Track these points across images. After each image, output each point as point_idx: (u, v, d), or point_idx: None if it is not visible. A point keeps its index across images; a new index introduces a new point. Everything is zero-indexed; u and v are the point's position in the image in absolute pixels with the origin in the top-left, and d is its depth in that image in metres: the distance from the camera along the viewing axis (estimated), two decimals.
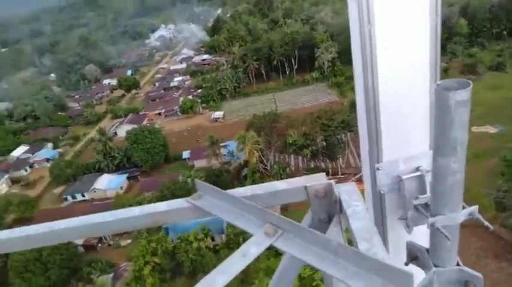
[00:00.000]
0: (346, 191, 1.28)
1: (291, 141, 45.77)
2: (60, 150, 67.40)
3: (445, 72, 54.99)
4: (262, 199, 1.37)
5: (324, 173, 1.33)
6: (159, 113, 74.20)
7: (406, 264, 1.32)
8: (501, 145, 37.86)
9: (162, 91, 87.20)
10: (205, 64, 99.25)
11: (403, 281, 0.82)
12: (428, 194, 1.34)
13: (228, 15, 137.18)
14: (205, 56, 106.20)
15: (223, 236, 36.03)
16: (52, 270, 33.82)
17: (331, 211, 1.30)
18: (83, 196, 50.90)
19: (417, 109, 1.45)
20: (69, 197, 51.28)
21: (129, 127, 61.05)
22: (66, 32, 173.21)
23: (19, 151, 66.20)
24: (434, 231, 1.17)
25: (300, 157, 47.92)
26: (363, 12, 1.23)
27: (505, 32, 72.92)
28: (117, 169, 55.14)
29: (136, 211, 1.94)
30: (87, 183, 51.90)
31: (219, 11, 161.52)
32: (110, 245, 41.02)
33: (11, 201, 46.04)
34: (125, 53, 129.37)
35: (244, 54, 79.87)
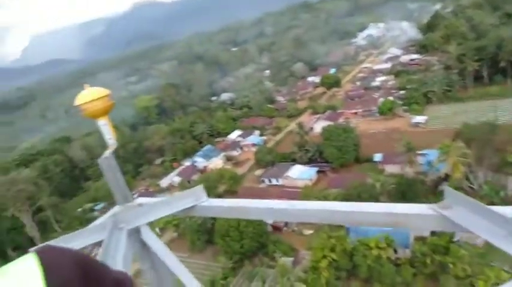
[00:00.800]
0: None
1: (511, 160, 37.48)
2: (264, 138, 76.50)
3: None
4: None
5: None
6: (356, 113, 73.77)
7: None
8: None
9: (362, 90, 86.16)
10: (412, 64, 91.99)
11: None
12: None
13: (449, 10, 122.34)
14: (414, 56, 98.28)
15: (408, 251, 33.10)
16: (245, 240, 38.96)
17: None
18: (277, 181, 56.23)
19: None
20: (265, 180, 57.67)
21: (325, 123, 63.16)
22: (284, 33, 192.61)
23: (234, 135, 78.79)
24: None
25: None
26: None
27: None
28: (309, 161, 58.14)
29: (374, 207, 1.89)
30: (282, 170, 57.00)
31: (438, 6, 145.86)
32: (293, 231, 43.99)
33: (224, 175, 55.43)
34: (332, 52, 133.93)
35: (462, 54, 69.70)
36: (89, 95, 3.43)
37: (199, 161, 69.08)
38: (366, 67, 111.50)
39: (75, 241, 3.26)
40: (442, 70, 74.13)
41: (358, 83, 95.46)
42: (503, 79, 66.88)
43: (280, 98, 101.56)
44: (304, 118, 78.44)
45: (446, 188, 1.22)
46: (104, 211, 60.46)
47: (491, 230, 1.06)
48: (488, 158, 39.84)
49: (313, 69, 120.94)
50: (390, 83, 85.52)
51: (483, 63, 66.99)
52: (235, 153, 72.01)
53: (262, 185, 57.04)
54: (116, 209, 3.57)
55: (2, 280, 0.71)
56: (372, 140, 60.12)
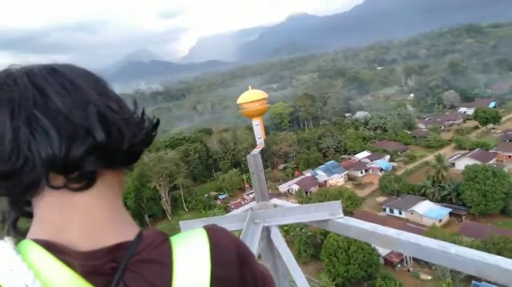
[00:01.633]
0: None
1: None
2: (394, 164, 71.31)
3: None
4: None
5: None
6: None
7: None
8: None
9: None
10: None
11: None
12: None
13: None
14: None
15: None
16: (353, 265, 37.07)
17: None
18: (400, 213, 51.75)
19: None
20: (387, 209, 53.72)
21: (471, 162, 55.43)
22: (439, 57, 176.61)
23: (362, 155, 75.67)
24: None
25: None
26: None
27: None
28: (442, 200, 51.88)
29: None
30: (408, 203, 52.18)
31: None
32: (409, 270, 39.91)
33: (343, 193, 53.79)
34: (495, 83, 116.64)
35: None
36: (250, 96, 3.85)
37: (320, 175, 68.63)
38: None
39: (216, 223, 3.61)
40: None
41: None
42: None
43: (421, 125, 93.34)
44: (446, 151, 70.20)
45: None
46: (225, 200, 65.76)
47: None
48: None
49: (467, 99, 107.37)
50: None
51: None
52: (358, 174, 69.17)
53: (381, 214, 53.34)
54: (253, 204, 3.78)
55: (176, 247, 0.79)
56: None
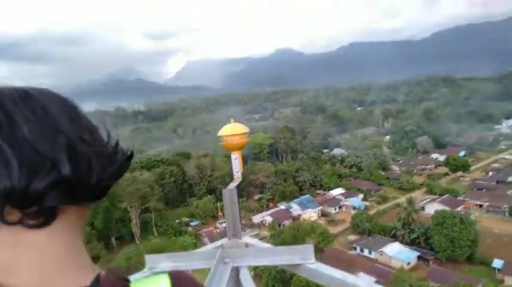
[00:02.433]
0: None
1: None
2: (367, 203, 72.42)
3: None
4: None
5: None
6: (481, 205, 64.74)
7: None
8: None
9: (494, 183, 75.64)
10: None
11: None
12: None
13: None
14: None
15: None
16: None
17: None
18: (370, 253, 52.09)
19: None
20: (357, 248, 53.98)
21: (440, 207, 57.03)
22: (415, 103, 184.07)
23: (336, 191, 76.56)
24: None
25: None
26: None
27: None
28: (411, 243, 52.68)
29: None
30: (378, 243, 52.71)
31: None
32: None
33: (315, 229, 53.89)
34: (465, 133, 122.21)
35: None
36: (231, 130, 4.00)
37: (295, 208, 68.79)
38: (504, 158, 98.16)
39: (182, 261, 3.48)
40: None
41: (490, 174, 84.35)
42: None
43: (395, 167, 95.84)
44: (417, 195, 71.95)
45: None
46: (197, 227, 64.51)
47: None
48: None
49: (439, 146, 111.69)
50: None
51: None
52: (332, 210, 69.74)
53: (352, 252, 53.51)
54: (224, 241, 3.74)
55: None
56: (495, 242, 51.67)
